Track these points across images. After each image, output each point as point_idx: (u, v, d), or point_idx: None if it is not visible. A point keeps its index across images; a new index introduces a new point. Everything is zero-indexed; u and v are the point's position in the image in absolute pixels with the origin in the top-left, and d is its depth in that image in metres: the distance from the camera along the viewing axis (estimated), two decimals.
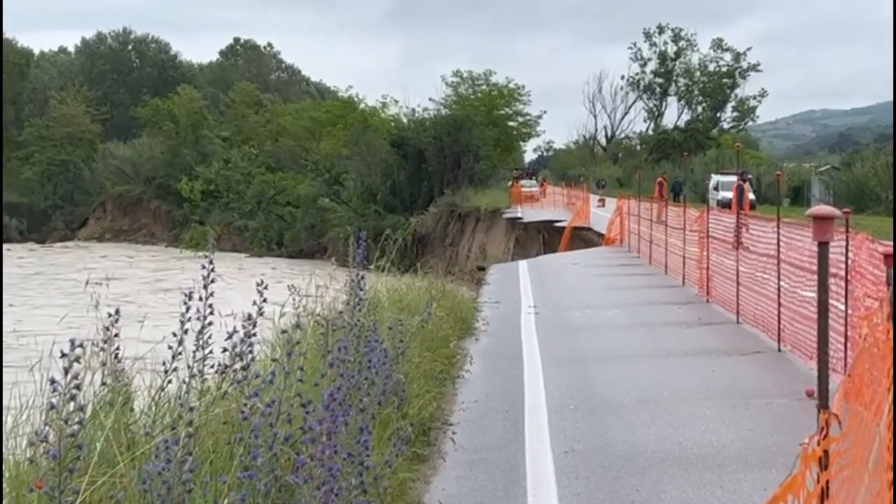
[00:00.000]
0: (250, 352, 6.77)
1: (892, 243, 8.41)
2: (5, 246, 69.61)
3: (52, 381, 4.60)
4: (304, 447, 5.61)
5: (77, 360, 4.62)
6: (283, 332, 7.03)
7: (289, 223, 66.12)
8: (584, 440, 8.73)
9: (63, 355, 4.62)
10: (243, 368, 6.59)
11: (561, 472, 7.79)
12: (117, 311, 6.83)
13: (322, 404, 5.56)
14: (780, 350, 12.82)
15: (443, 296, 15.89)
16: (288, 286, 10.72)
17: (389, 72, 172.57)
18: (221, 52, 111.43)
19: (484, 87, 63.63)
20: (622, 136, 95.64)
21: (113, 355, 6.81)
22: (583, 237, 38.32)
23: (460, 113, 61.39)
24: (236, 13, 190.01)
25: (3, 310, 33.19)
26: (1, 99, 78.60)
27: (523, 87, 64.59)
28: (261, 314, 7.16)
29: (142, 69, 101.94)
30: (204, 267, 6.79)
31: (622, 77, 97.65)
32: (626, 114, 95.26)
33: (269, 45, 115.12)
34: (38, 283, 43.41)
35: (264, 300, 7.26)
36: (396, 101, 63.60)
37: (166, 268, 52.08)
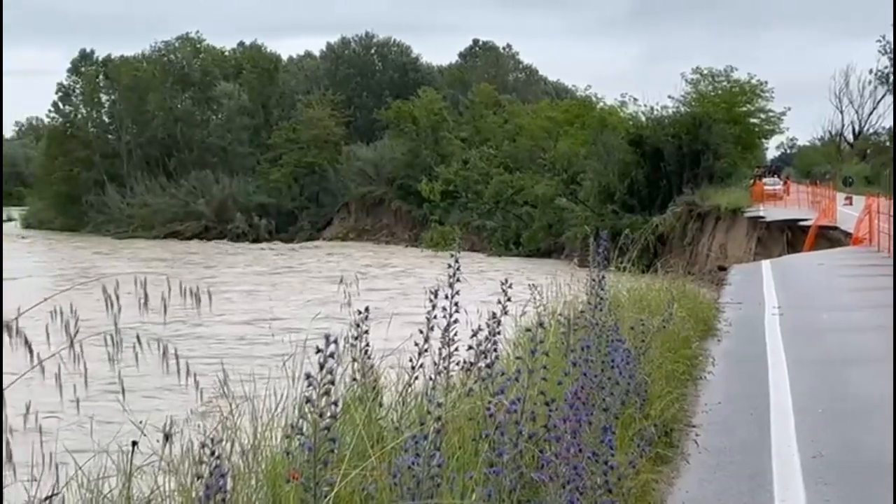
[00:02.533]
0: (494, 350, 6.86)
1: None
2: (256, 245, 72.28)
3: (308, 376, 4.76)
4: (548, 445, 5.65)
5: (332, 355, 4.77)
6: (527, 330, 7.10)
7: (526, 223, 66.36)
8: (832, 445, 8.48)
9: (318, 351, 4.77)
10: (488, 366, 6.68)
11: (809, 478, 7.58)
12: (367, 309, 7.02)
13: (566, 403, 5.58)
14: None
15: (683, 296, 15.67)
16: (529, 285, 10.80)
17: (628, 70, 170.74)
18: (461, 54, 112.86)
19: (725, 83, 62.33)
20: (870, 132, 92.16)
21: (362, 351, 7.01)
22: (828, 236, 37.09)
23: (700, 110, 60.38)
24: (476, 16, 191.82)
25: (241, 307, 34.59)
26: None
27: (765, 83, 63.01)
28: (505, 313, 7.25)
29: (384, 72, 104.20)
30: (449, 266, 6.92)
31: (870, 71, 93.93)
32: (874, 109, 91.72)
33: (508, 46, 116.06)
34: (288, 281, 44.94)
35: (508, 299, 7.34)
36: (635, 100, 62.99)
37: (409, 266, 53.07)
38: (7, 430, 4.97)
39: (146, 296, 5.45)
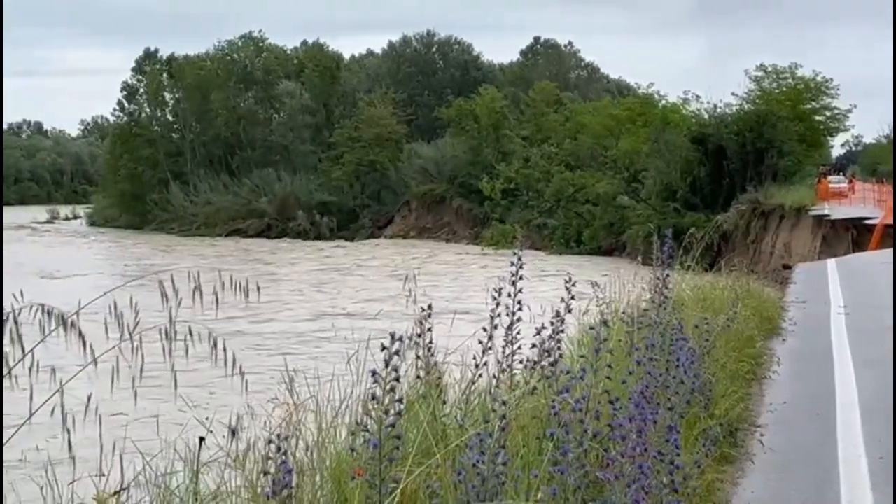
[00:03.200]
0: (558, 348, 6.85)
1: None
2: (317, 244, 72.63)
3: (374, 373, 4.77)
4: (613, 444, 5.63)
5: (397, 353, 4.78)
6: (591, 328, 7.08)
7: (587, 221, 66.09)
8: None
9: (383, 348, 4.78)
10: (552, 364, 6.66)
11: (877, 479, 7.48)
12: (429, 307, 7.03)
13: (632, 401, 5.56)
14: None
15: (748, 295, 15.55)
16: (591, 283, 10.75)
17: (692, 68, 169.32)
18: (522, 52, 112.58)
19: (789, 80, 61.64)
20: None
21: (426, 349, 7.02)
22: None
23: (764, 108, 59.80)
24: (538, 13, 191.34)
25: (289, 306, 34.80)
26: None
27: (831, 80, 62.23)
28: (569, 311, 7.23)
29: (445, 70, 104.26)
30: (512, 263, 6.91)
31: None
32: None
33: (570, 43, 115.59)
34: (350, 279, 45.12)
35: (572, 297, 7.32)
36: (698, 97, 62.51)
37: (470, 264, 53.08)
38: (69, 423, 5.02)
39: (215, 296, 5.49)
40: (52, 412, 4.91)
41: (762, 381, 11.21)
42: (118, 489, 5.26)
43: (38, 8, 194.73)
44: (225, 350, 5.32)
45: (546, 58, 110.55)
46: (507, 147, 77.00)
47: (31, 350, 4.77)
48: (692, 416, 7.86)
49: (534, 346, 6.81)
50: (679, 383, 7.44)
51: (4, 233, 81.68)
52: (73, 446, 5.14)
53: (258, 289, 5.86)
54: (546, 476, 5.35)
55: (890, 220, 39.06)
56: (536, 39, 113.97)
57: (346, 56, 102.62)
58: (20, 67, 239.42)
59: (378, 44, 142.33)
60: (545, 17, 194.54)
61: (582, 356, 6.63)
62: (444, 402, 6.90)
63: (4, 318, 4.78)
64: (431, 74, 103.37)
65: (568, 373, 6.18)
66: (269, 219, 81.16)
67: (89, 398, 5.08)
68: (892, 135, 56.64)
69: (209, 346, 5.28)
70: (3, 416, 5.00)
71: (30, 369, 4.82)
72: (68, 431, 4.99)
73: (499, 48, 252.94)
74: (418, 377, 6.98)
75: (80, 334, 4.93)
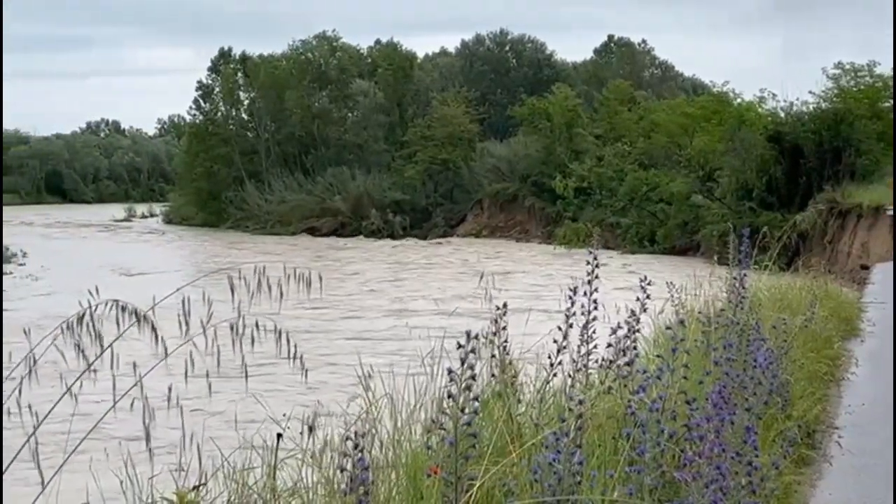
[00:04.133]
0: (634, 347, 6.82)
1: None
2: (390, 242, 72.87)
3: (450, 371, 4.78)
4: (690, 444, 5.59)
5: (472, 351, 4.78)
6: (667, 328, 7.03)
7: (661, 220, 65.60)
8: None
9: (459, 346, 4.79)
10: (627, 364, 6.64)
11: None
12: (504, 305, 7.03)
13: (710, 402, 5.52)
14: None
15: (825, 295, 15.38)
16: (666, 283, 10.69)
17: (767, 66, 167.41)
18: (596, 51, 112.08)
19: (867, 78, 60.72)
20: None
21: (501, 347, 7.02)
22: None
23: (841, 106, 58.98)
24: (611, 11, 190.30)
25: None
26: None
27: None
28: (644, 310, 7.20)
29: (518, 69, 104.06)
30: (588, 262, 6.89)
31: None
32: None
33: (644, 41, 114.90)
34: (424, 277, 45.23)
35: (647, 296, 7.29)
36: (774, 96, 61.78)
37: (543, 263, 53.00)
38: (148, 416, 5.09)
39: (280, 290, 5.53)
40: (132, 405, 4.98)
41: (840, 383, 11.08)
42: (197, 484, 5.33)
43: (115, 8, 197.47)
44: (296, 347, 5.35)
45: (620, 56, 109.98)
46: (580, 146, 76.70)
47: (111, 345, 4.85)
48: (769, 418, 7.79)
49: (609, 345, 6.78)
50: (757, 384, 7.37)
51: (84, 230, 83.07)
52: (153, 441, 5.21)
53: (320, 283, 5.88)
54: (622, 476, 5.33)
55: None
56: (610, 38, 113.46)
57: (420, 55, 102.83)
58: (98, 67, 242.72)
59: (451, 43, 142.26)
60: (619, 15, 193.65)
61: (658, 356, 6.59)
62: (519, 401, 6.90)
63: (81, 314, 4.87)
64: (504, 73, 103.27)
65: (644, 372, 6.15)
66: (342, 217, 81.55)
67: (170, 389, 5.15)
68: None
69: (277, 342, 5.32)
70: (78, 411, 5.09)
71: (111, 364, 4.89)
72: (146, 427, 5.06)
73: (572, 47, 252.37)
74: (493, 375, 6.99)
75: (154, 329, 5.00)
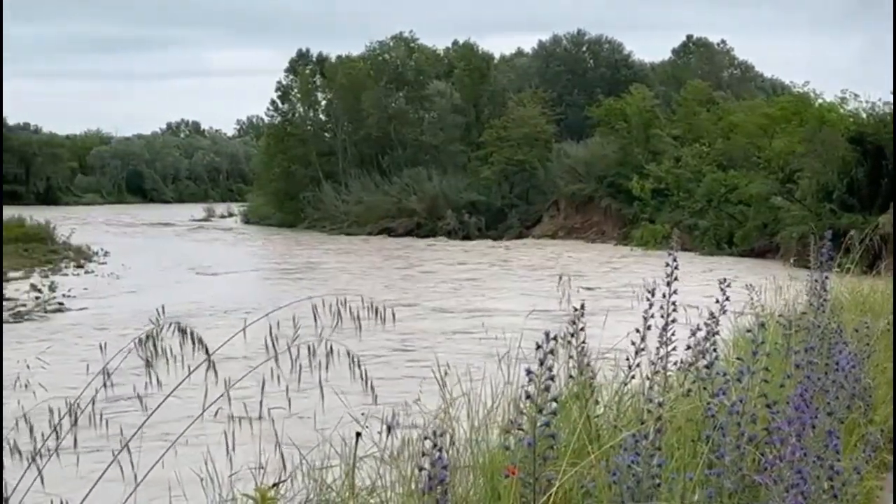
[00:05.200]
0: (713, 350, 6.76)
1: None
2: (466, 243, 72.96)
3: (528, 372, 4.78)
4: (770, 448, 5.54)
5: (551, 352, 4.78)
6: (747, 331, 6.97)
7: (739, 222, 64.92)
8: None
9: (538, 347, 4.78)
10: (706, 366, 6.58)
11: None
12: (582, 306, 7.01)
13: (791, 405, 5.46)
14: None
15: None
16: (745, 285, 10.59)
17: (849, 67, 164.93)
18: (674, 51, 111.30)
19: None
20: None
21: (578, 348, 7.00)
22: None
23: None
24: (690, 12, 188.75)
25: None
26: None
27: None
28: (723, 312, 7.14)
29: (595, 70, 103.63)
30: (667, 265, 6.86)
31: None
32: None
33: (723, 41, 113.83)
34: (500, 278, 45.23)
35: (727, 298, 7.22)
36: (856, 96, 60.93)
37: (620, 264, 52.75)
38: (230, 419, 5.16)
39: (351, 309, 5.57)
40: (216, 414, 5.06)
41: None
42: (277, 481, 5.38)
43: (196, 9, 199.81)
44: (361, 368, 5.38)
45: (698, 56, 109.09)
46: (658, 147, 76.18)
47: (211, 355, 4.92)
48: (851, 422, 7.69)
49: (689, 347, 6.74)
50: (839, 388, 7.28)
51: (163, 229, 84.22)
52: (234, 440, 5.28)
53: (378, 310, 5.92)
54: (701, 479, 5.30)
55: None
56: (689, 38, 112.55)
57: (496, 55, 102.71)
58: (178, 68, 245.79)
59: (528, 43, 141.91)
60: (698, 14, 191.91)
61: (739, 358, 6.53)
62: (597, 403, 6.88)
63: (180, 326, 4.96)
64: (581, 74, 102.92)
65: (724, 375, 6.10)
66: (418, 218, 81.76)
67: (263, 383, 5.21)
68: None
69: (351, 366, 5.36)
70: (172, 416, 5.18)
71: (206, 372, 4.98)
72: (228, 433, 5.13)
73: (650, 47, 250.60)
74: (570, 376, 6.97)
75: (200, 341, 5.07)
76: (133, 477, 4.88)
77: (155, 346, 4.94)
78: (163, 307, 5.03)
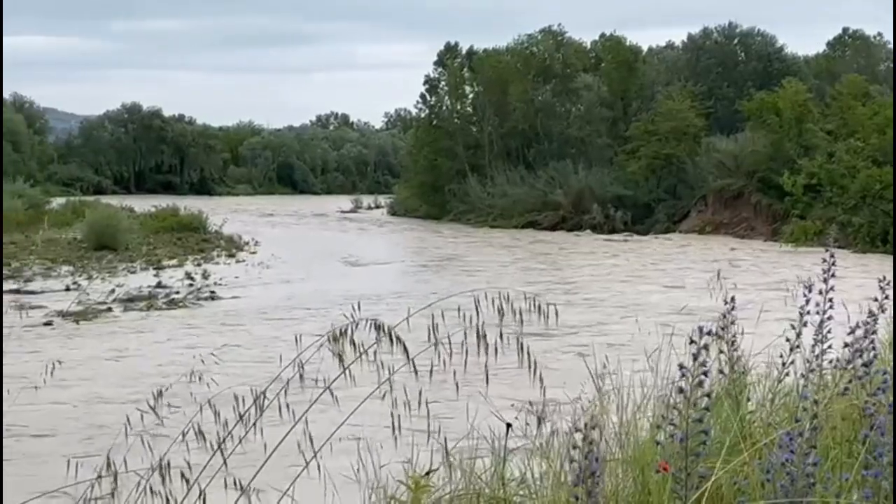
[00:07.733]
0: (872, 348, 6.62)
1: None
2: (611, 237, 72.52)
3: (681, 367, 4.75)
4: None
5: (705, 347, 4.74)
6: None
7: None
8: None
9: (691, 342, 4.75)
10: (864, 365, 6.45)
11: None
12: (733, 299, 6.93)
13: None
14: None
15: None
16: None
17: None
18: (829, 44, 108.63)
19: None
20: None
21: (730, 344, 6.92)
22: None
23: None
24: (846, 3, 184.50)
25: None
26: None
27: None
28: (882, 311, 6.98)
29: (746, 63, 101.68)
30: (824, 260, 6.74)
31: None
32: None
33: (879, 34, 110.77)
34: (649, 273, 44.84)
35: (886, 297, 7.07)
36: None
37: (770, 260, 51.89)
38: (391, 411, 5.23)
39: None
40: (383, 397, 5.15)
41: None
42: (429, 470, 5.44)
43: (345, 4, 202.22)
44: (529, 354, 5.41)
45: (854, 49, 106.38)
46: (810, 141, 74.56)
47: (366, 350, 5.02)
48: None
49: (846, 345, 6.60)
50: None
51: (313, 220, 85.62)
52: (399, 427, 5.37)
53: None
54: (858, 479, 5.19)
55: None
56: (845, 30, 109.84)
57: (645, 48, 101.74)
58: (328, 61, 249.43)
59: (678, 36, 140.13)
60: (854, 6, 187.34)
61: None
62: (748, 400, 6.80)
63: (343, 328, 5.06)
64: (732, 67, 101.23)
65: (884, 374, 5.97)
66: (563, 211, 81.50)
67: (432, 369, 5.28)
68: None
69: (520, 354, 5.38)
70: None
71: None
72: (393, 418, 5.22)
73: (804, 40, 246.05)
74: (721, 372, 6.91)
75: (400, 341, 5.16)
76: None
77: (353, 342, 5.08)
78: (359, 304, 5.16)
